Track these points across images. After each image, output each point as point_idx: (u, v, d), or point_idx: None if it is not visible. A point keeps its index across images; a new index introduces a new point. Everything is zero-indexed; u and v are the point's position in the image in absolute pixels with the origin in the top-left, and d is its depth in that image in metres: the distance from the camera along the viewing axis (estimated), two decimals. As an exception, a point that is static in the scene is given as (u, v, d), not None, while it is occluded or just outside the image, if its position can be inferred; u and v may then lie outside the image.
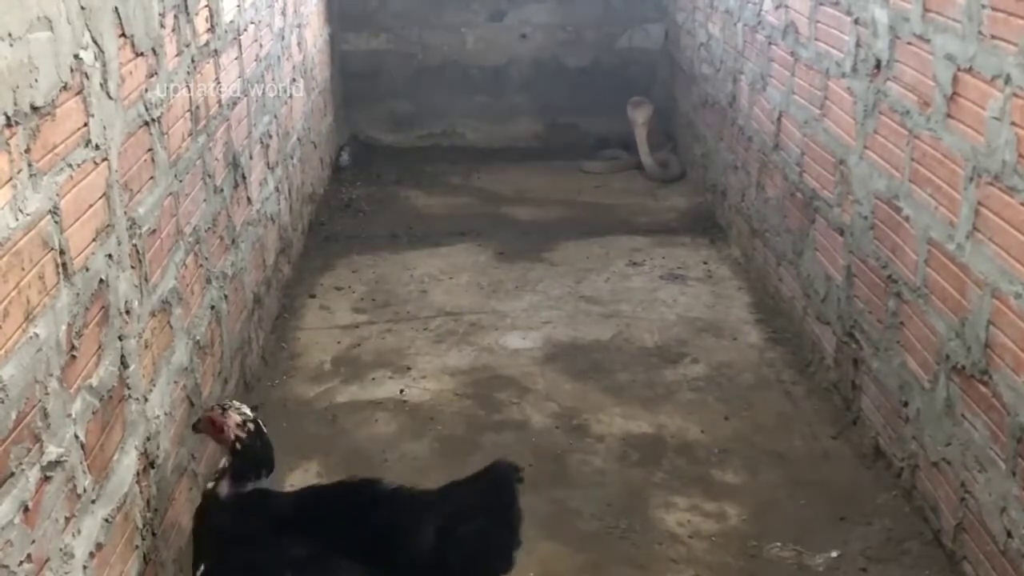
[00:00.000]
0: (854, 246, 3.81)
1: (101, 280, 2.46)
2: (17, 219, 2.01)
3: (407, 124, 7.36)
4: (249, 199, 4.18)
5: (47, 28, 2.16)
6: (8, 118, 1.97)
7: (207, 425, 2.73)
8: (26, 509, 2.01)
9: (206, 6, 3.54)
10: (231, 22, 3.93)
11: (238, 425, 2.67)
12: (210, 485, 2.72)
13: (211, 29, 3.61)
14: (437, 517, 2.55)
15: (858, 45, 3.70)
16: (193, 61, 3.36)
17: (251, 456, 2.67)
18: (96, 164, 2.45)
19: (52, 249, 2.18)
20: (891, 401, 3.50)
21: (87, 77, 2.39)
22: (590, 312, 4.91)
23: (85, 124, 2.38)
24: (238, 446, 2.66)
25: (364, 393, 4.19)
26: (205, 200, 3.49)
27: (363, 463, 3.68)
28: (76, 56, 2.32)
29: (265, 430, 2.73)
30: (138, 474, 2.68)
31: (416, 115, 7.35)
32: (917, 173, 3.26)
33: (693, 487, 3.55)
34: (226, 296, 3.74)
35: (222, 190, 3.74)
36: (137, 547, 2.67)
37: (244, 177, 4.09)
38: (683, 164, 6.79)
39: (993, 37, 2.74)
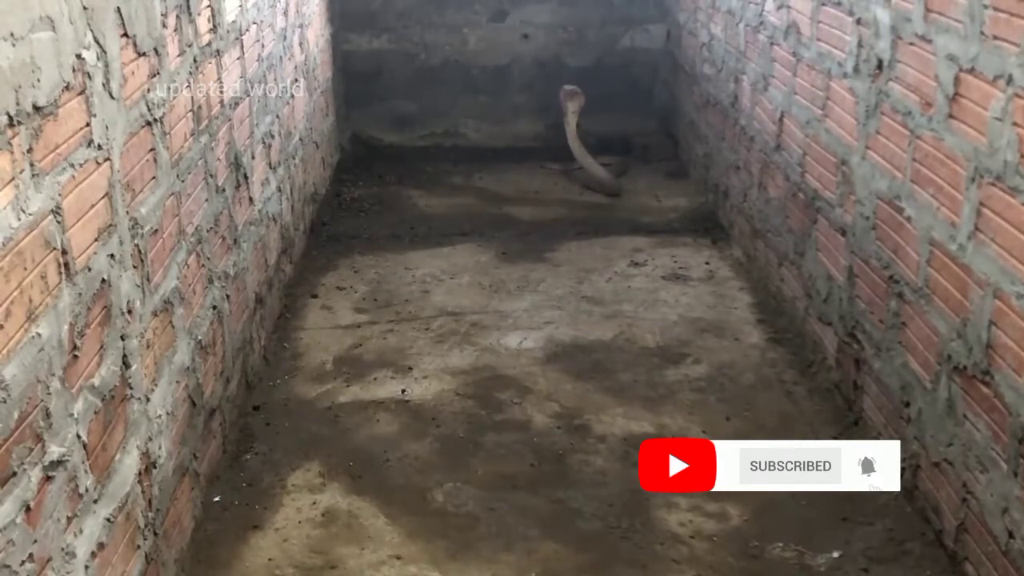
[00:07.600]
0: (856, 246, 3.81)
1: (103, 280, 2.46)
2: (19, 219, 2.01)
3: (409, 124, 7.35)
4: (251, 199, 4.19)
5: (49, 28, 2.16)
6: (10, 118, 1.98)
7: None
8: (28, 509, 2.02)
9: (208, 6, 3.54)
10: (233, 22, 3.93)
11: None
12: None
13: (213, 29, 3.61)
14: None
15: (860, 45, 3.70)
16: (195, 61, 3.37)
17: None
18: (98, 164, 2.45)
19: (54, 249, 2.18)
20: (893, 401, 3.50)
21: (89, 77, 2.39)
22: (592, 312, 4.90)
23: (87, 124, 2.38)
24: None
25: (366, 393, 4.19)
26: (207, 200, 3.49)
27: (365, 463, 3.68)
28: (78, 56, 2.33)
29: None
30: (140, 474, 2.69)
31: (418, 115, 7.34)
32: (919, 173, 3.26)
33: (694, 487, 3.55)
34: (228, 296, 3.74)
35: (224, 190, 3.74)
36: (139, 547, 2.67)
37: (246, 177, 4.09)
38: (619, 185, 6.64)
39: (995, 37, 2.74)
